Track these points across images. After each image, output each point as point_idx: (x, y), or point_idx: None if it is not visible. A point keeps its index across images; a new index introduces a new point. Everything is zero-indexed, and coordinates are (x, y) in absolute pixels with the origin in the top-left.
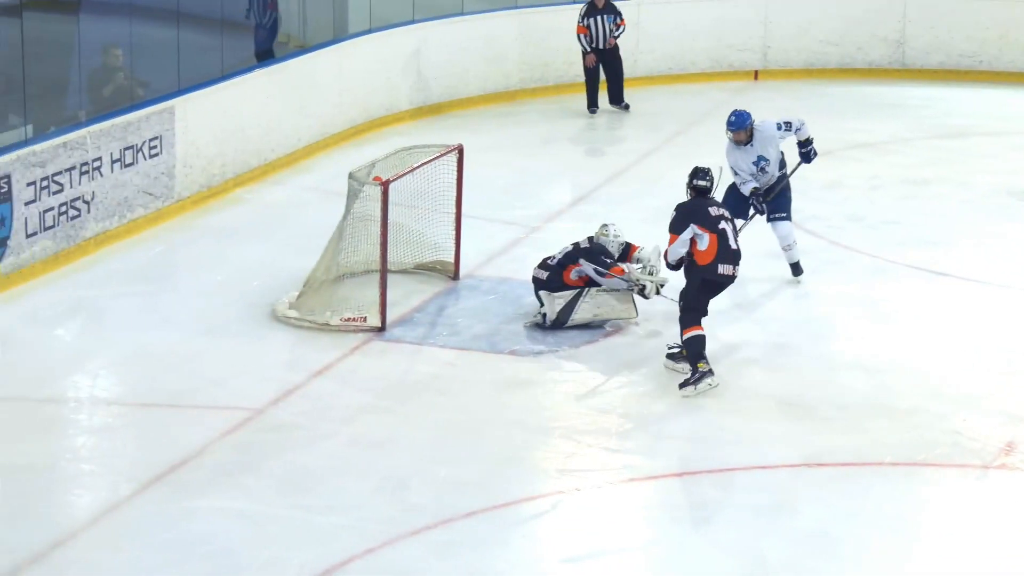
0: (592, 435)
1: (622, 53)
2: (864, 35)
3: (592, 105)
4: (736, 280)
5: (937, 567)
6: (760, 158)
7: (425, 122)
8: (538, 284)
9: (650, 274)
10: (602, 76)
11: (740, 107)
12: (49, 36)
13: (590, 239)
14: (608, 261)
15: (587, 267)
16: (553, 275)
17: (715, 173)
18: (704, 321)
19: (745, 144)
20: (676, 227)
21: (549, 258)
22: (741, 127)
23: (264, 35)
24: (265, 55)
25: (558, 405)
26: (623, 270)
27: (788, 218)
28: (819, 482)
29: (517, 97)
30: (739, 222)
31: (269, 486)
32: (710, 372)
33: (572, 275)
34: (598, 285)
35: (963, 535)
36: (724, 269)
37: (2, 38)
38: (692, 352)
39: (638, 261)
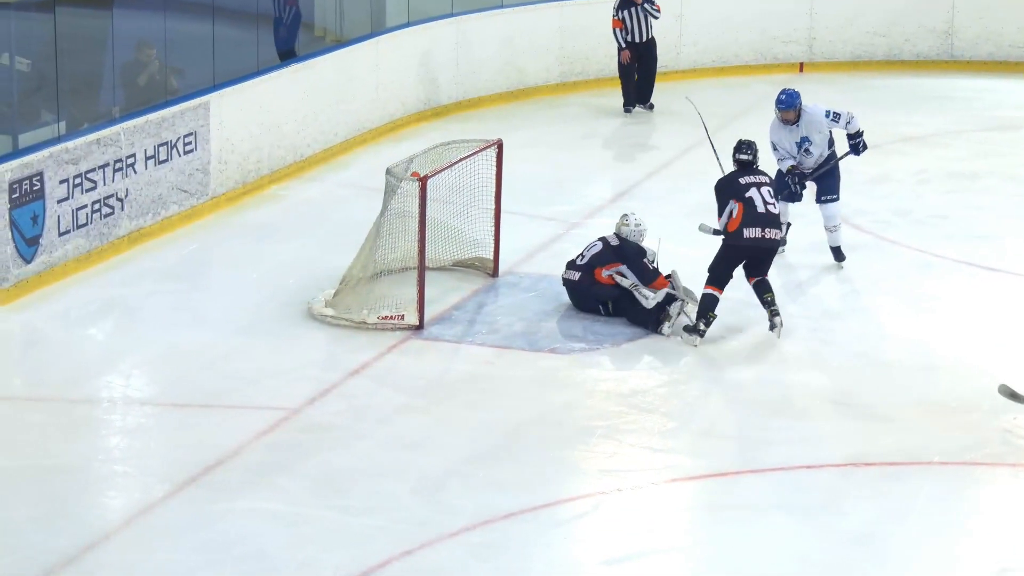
0: (634, 434)
1: (661, 48)
2: (912, 26)
3: (628, 104)
4: (779, 245)
5: (988, 570)
6: (804, 139)
7: (463, 116)
8: (570, 286)
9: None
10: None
11: None
12: (82, 32)
13: (617, 235)
14: (651, 270)
15: (630, 275)
16: (584, 275)
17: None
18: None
19: (792, 124)
20: (719, 210)
21: (577, 258)
22: (790, 106)
23: (285, 33)
24: (287, 55)
25: (599, 404)
26: (667, 282)
27: (838, 199)
28: (866, 482)
29: (557, 91)
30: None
31: (304, 487)
32: (699, 332)
33: (604, 274)
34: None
35: (1015, 536)
36: (750, 233)
37: (35, 34)
38: (699, 307)
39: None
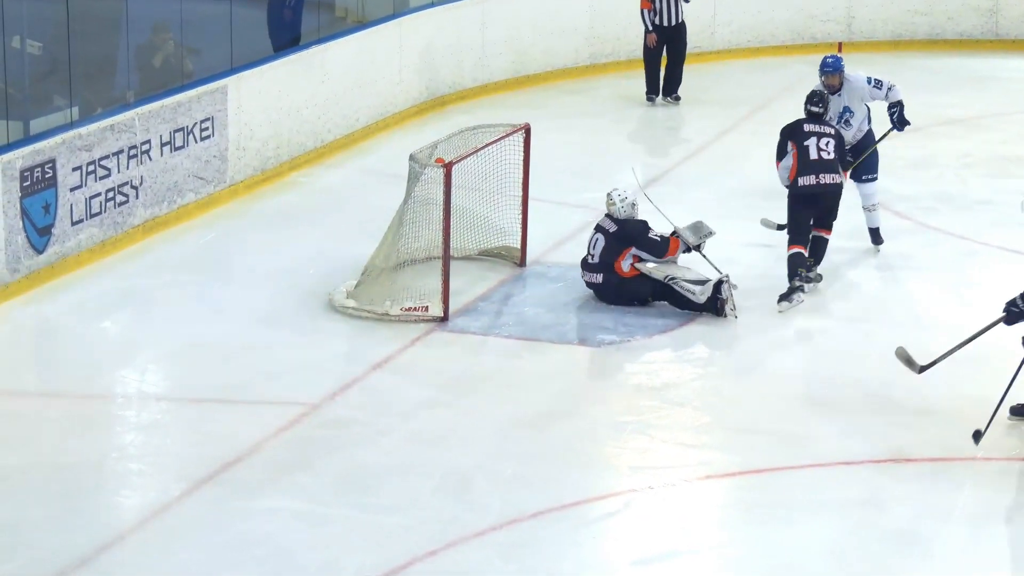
0: (666, 430)
1: (693, 28)
2: (955, 4)
3: (652, 92)
4: (835, 187)
5: None
6: (846, 109)
7: (489, 100)
8: (597, 289)
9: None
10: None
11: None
12: (96, 13)
13: (610, 217)
14: (659, 241)
15: (647, 257)
16: (607, 275)
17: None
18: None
19: (834, 92)
20: (779, 152)
21: (588, 256)
22: (836, 70)
23: (291, 16)
24: (292, 43)
25: (630, 398)
26: (678, 243)
27: (876, 178)
28: (907, 478)
29: (587, 73)
30: None
31: (326, 485)
32: (800, 288)
33: (624, 266)
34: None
35: None
36: (804, 180)
37: (47, 16)
38: (788, 269)
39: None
